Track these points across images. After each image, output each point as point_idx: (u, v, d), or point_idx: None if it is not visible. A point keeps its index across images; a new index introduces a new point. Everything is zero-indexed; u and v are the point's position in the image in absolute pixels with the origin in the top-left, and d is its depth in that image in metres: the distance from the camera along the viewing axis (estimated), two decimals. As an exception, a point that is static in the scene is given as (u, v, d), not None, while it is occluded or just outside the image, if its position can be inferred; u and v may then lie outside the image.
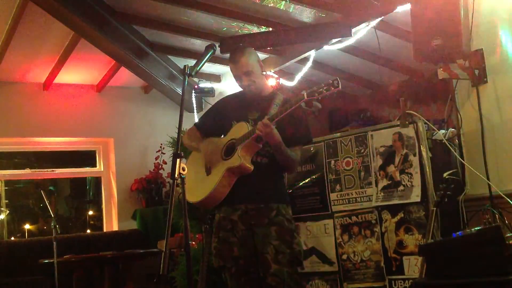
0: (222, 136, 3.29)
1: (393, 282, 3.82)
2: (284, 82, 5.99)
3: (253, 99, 3.24)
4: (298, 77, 5.97)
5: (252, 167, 3.06)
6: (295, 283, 3.09)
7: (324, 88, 2.89)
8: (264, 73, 3.28)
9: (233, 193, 3.10)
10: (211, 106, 3.57)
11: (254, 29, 5.31)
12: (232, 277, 3.13)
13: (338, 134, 4.31)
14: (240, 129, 3.12)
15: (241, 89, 3.32)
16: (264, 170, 3.13)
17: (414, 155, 3.78)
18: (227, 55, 3.50)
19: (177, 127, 2.53)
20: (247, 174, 3.06)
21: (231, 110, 3.30)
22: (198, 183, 3.15)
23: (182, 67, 3.18)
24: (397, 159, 3.88)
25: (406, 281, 3.73)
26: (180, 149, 2.42)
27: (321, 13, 5.00)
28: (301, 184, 4.37)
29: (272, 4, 4.81)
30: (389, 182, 3.90)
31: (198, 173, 3.20)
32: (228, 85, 6.33)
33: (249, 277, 3.11)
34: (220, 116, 3.34)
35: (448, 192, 3.30)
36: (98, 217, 7.72)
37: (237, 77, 3.23)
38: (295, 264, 3.14)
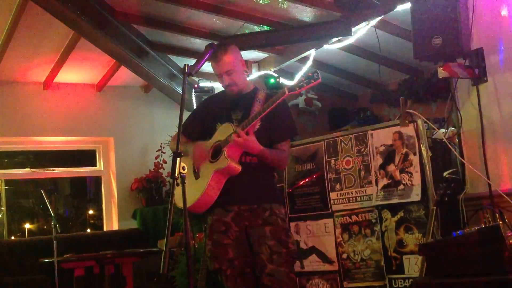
0: (208, 138, 3.28)
1: (393, 281, 3.82)
2: (284, 81, 5.99)
3: (236, 98, 3.22)
4: (298, 76, 5.98)
5: (240, 167, 3.05)
6: (293, 283, 3.09)
7: (305, 82, 2.93)
8: (246, 71, 3.27)
9: (225, 194, 3.09)
10: (194, 109, 3.55)
11: (255, 28, 5.31)
12: (228, 279, 3.12)
13: (338, 133, 4.31)
14: (225, 131, 3.11)
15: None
16: (254, 170, 3.12)
17: (414, 154, 3.78)
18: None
19: (177, 126, 2.54)
20: (237, 175, 3.06)
21: (214, 111, 3.28)
22: (187, 188, 3.14)
23: (182, 66, 3.18)
24: (397, 158, 3.88)
25: (406, 280, 3.73)
26: (180, 149, 2.42)
27: (321, 12, 5.01)
28: (301, 183, 4.37)
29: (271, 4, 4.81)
30: (389, 181, 3.90)
31: (187, 178, 3.19)
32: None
33: (245, 278, 3.10)
34: (203, 118, 3.32)
35: (448, 191, 3.31)
36: (98, 216, 7.73)
37: (219, 76, 3.21)
38: (292, 263, 3.14)
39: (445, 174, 3.55)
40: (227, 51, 3.15)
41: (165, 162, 6.45)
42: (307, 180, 4.34)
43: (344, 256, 4.08)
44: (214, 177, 3.06)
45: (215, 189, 3.08)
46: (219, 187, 3.08)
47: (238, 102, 3.22)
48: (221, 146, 3.08)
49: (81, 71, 6.31)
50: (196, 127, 3.33)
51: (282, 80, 5.95)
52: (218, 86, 6.37)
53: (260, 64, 6.17)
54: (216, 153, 3.12)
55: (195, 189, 3.11)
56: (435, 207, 3.30)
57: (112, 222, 6.74)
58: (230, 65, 3.14)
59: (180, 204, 3.05)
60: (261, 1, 4.70)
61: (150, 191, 6.47)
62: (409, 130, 3.82)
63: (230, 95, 3.23)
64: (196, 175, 3.19)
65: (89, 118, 6.61)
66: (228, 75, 3.16)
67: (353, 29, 4.86)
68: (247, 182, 3.08)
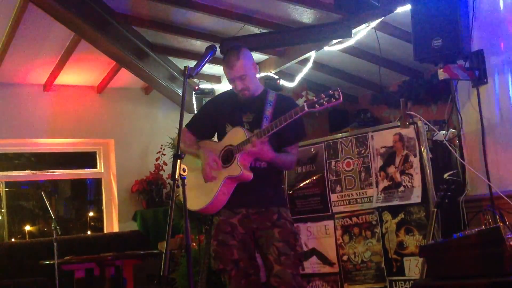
0: (217, 139, 3.27)
1: (393, 283, 3.81)
2: (285, 83, 5.99)
3: (247, 100, 3.21)
4: (299, 78, 5.98)
5: (252, 175, 3.05)
6: (300, 285, 3.09)
7: (325, 99, 2.88)
8: (258, 75, 3.27)
9: (233, 197, 3.10)
10: (202, 106, 3.52)
11: (255, 30, 5.31)
12: (232, 280, 3.12)
13: (339, 135, 4.31)
14: (236, 135, 3.10)
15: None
16: (263, 173, 3.12)
17: (415, 156, 3.78)
18: (227, 56, 3.48)
19: (178, 128, 2.54)
20: None
21: (224, 112, 3.27)
22: (197, 190, 3.14)
23: (182, 68, 3.17)
24: (397, 160, 3.88)
25: (407, 282, 3.73)
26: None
27: (321, 14, 5.01)
28: (301, 185, 4.37)
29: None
30: (389, 183, 3.90)
31: (196, 179, 3.18)
32: (228, 86, 6.31)
33: (249, 280, 3.10)
34: (212, 117, 3.30)
35: (449, 193, 3.30)
36: (99, 219, 7.72)
37: (231, 81, 3.19)
38: (298, 266, 3.14)
39: (445, 175, 3.54)
40: (239, 56, 3.12)
41: (166, 164, 6.45)
42: (307, 182, 4.34)
43: (345, 258, 4.08)
44: (226, 183, 3.07)
45: (225, 194, 3.09)
46: (229, 192, 3.09)
47: (249, 104, 3.20)
48: (233, 152, 3.08)
49: (81, 73, 6.31)
50: (204, 126, 3.32)
51: (282, 82, 5.94)
52: (218, 88, 6.39)
53: (260, 65, 6.16)
54: (226, 157, 3.12)
55: (205, 193, 3.11)
56: (435, 209, 3.30)
57: (112, 224, 6.73)
58: (243, 70, 3.12)
59: (191, 207, 3.07)
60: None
61: (151, 193, 6.47)
62: (409, 132, 3.82)
63: (242, 97, 3.23)
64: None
65: (90, 120, 6.61)
66: (241, 80, 3.14)
67: (353, 31, 4.86)
68: (256, 185, 3.08)
